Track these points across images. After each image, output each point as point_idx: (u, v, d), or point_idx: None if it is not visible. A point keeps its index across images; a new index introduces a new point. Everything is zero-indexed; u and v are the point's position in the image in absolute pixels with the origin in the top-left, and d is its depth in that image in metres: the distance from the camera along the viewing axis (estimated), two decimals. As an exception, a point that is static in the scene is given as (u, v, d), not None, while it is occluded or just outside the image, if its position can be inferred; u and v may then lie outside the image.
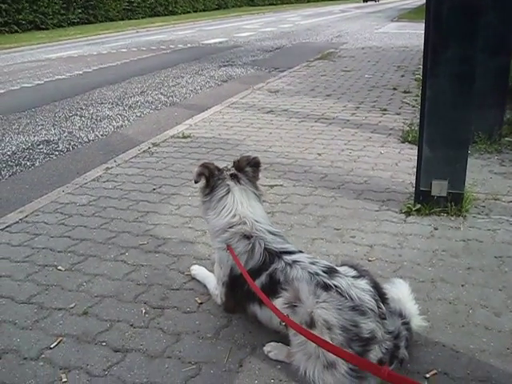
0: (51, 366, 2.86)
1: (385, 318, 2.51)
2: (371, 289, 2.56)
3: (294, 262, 2.71)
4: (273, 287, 2.68)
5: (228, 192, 3.07)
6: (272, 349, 2.82)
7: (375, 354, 2.43)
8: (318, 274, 2.59)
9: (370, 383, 2.44)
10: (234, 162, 3.23)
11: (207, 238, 4.05)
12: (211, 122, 7.94)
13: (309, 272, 2.61)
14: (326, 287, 2.51)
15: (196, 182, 3.22)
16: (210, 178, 3.13)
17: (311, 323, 2.46)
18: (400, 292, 2.90)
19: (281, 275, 2.68)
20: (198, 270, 3.60)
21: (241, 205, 3.02)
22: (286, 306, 2.58)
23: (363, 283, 2.58)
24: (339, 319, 2.42)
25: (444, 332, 2.91)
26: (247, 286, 2.78)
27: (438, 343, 2.82)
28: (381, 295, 2.60)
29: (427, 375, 2.60)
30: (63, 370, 2.83)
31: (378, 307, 2.50)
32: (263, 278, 2.75)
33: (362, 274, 2.68)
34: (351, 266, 2.74)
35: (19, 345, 3.05)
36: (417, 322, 2.80)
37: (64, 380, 2.74)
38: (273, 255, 2.79)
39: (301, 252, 2.90)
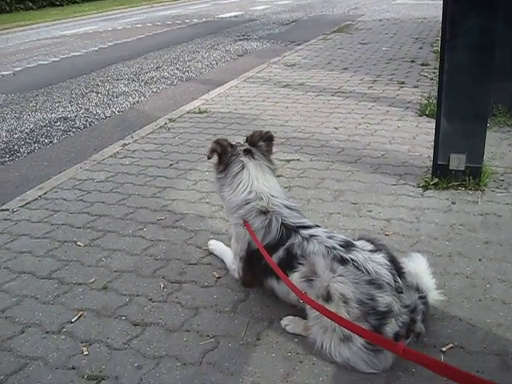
0: (72, 339, 2.92)
1: (401, 292, 2.51)
2: (388, 263, 2.56)
3: (311, 236, 2.71)
4: (290, 262, 2.69)
5: (243, 168, 3.06)
6: (289, 322, 2.84)
7: (392, 328, 2.44)
8: (334, 248, 2.59)
9: (385, 356, 2.47)
10: (247, 137, 3.24)
11: (224, 212, 4.06)
12: (227, 96, 7.91)
13: (326, 246, 2.62)
14: (343, 261, 2.53)
15: (209, 158, 3.24)
16: (223, 155, 3.12)
17: (328, 297, 2.48)
18: (417, 266, 2.90)
19: (298, 249, 2.68)
20: (216, 245, 3.62)
21: (256, 180, 3.02)
22: (302, 280, 2.60)
23: (380, 257, 2.58)
24: (356, 293, 2.43)
25: (461, 306, 2.91)
26: (265, 260, 2.79)
27: (454, 317, 2.83)
28: (398, 269, 2.60)
29: (443, 349, 2.61)
30: (84, 343, 2.88)
31: (395, 281, 2.51)
32: (280, 252, 2.75)
33: (378, 248, 2.69)
34: (368, 240, 2.75)
35: (41, 319, 3.11)
36: (434, 296, 2.81)
37: (85, 353, 2.80)
38: (290, 230, 2.79)
39: (318, 226, 2.90)
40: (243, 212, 2.94)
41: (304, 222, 2.87)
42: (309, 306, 2.56)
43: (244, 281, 3.21)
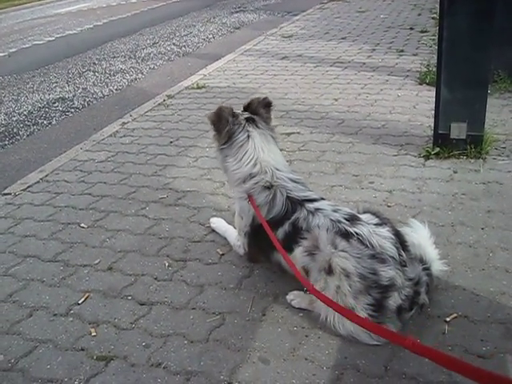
0: (80, 321, 2.95)
1: (405, 266, 2.53)
2: (392, 236, 2.57)
3: (317, 209, 2.69)
4: (295, 236, 2.68)
5: (248, 137, 2.95)
6: (295, 297, 2.86)
7: (394, 301, 2.47)
8: (339, 222, 2.59)
9: (387, 327, 2.48)
10: (246, 105, 3.11)
11: (226, 189, 4.08)
12: (225, 70, 7.85)
13: (331, 219, 2.61)
14: (347, 235, 2.53)
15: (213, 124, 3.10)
16: (226, 124, 2.97)
17: (329, 270, 2.51)
18: (420, 237, 2.89)
19: (303, 223, 2.67)
20: (218, 223, 3.62)
21: (262, 152, 2.95)
22: (305, 254, 2.62)
23: (384, 231, 2.59)
24: (357, 267, 2.45)
25: (464, 276, 2.93)
26: (267, 237, 2.77)
27: (458, 287, 2.84)
28: (402, 243, 2.62)
29: (447, 319, 2.62)
30: (92, 324, 2.91)
31: (399, 255, 2.52)
32: (286, 226, 2.73)
33: (383, 221, 2.69)
34: (373, 214, 2.74)
35: (48, 302, 3.14)
36: (437, 266, 2.82)
37: (93, 334, 2.83)
38: (295, 204, 2.76)
39: (323, 199, 2.87)
40: (248, 186, 2.89)
41: (309, 195, 2.83)
42: (312, 280, 2.60)
43: (250, 256, 3.20)
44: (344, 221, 2.60)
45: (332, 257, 2.50)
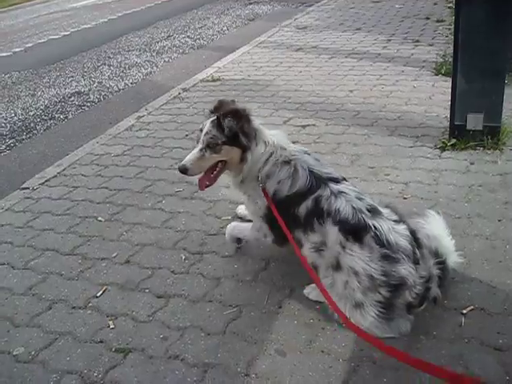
0: (99, 313, 2.99)
1: (419, 263, 2.54)
2: (409, 234, 2.59)
3: (340, 192, 2.66)
4: (316, 213, 2.64)
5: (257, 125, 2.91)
6: (312, 290, 2.86)
7: (404, 299, 2.49)
8: (361, 212, 2.58)
9: (398, 323, 2.52)
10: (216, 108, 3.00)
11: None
12: (240, 63, 7.85)
13: (353, 207, 2.59)
14: (364, 229, 2.52)
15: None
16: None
17: (337, 266, 2.54)
18: (436, 228, 2.86)
19: (325, 203, 2.63)
20: (235, 229, 3.38)
21: (271, 135, 2.94)
22: (312, 251, 2.65)
23: (402, 228, 2.59)
24: (365, 269, 2.47)
25: (481, 268, 2.91)
26: (292, 210, 2.72)
27: (474, 279, 2.83)
28: (416, 240, 2.62)
29: (464, 311, 2.62)
30: (110, 317, 2.95)
31: (414, 253, 2.54)
32: (309, 202, 2.68)
33: (402, 219, 2.69)
34: (393, 210, 2.73)
35: (67, 295, 3.19)
36: (453, 258, 2.81)
37: (112, 326, 2.87)
38: (319, 180, 2.71)
39: (345, 180, 2.84)
40: (268, 168, 2.84)
41: (331, 173, 2.80)
42: (322, 275, 2.62)
43: (278, 239, 2.98)
44: (366, 211, 2.59)
45: (339, 256, 2.53)
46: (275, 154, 2.85)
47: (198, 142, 2.86)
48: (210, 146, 2.81)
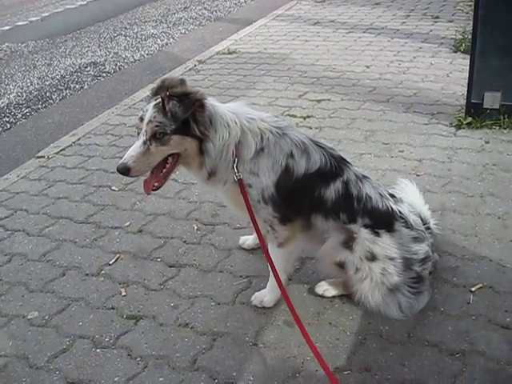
0: (111, 281, 3.05)
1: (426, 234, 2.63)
2: (412, 210, 2.68)
3: (364, 177, 2.58)
4: (347, 202, 2.48)
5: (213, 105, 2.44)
6: (328, 286, 2.76)
7: (429, 269, 2.57)
8: (387, 198, 2.57)
9: (424, 295, 2.57)
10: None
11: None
12: (257, 36, 7.78)
13: (380, 194, 2.55)
14: (394, 217, 2.52)
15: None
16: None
17: (373, 257, 2.49)
18: (411, 195, 2.94)
19: (354, 189, 2.50)
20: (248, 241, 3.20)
21: (236, 109, 2.53)
22: (341, 247, 2.51)
23: (409, 207, 2.68)
24: (399, 253, 2.49)
25: (491, 247, 2.92)
26: (316, 192, 2.47)
27: (484, 258, 2.84)
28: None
29: (472, 289, 2.64)
30: (122, 284, 3.00)
31: (428, 229, 2.64)
32: (339, 185, 2.47)
33: (400, 198, 2.74)
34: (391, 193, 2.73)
35: (80, 262, 3.24)
36: (432, 222, 2.90)
37: (123, 294, 2.92)
38: (335, 159, 2.51)
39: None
40: (253, 149, 2.45)
41: (335, 149, 2.62)
42: (352, 272, 2.52)
43: (282, 217, 2.54)
44: (389, 197, 2.60)
45: (373, 248, 2.48)
46: (251, 130, 2.45)
47: (139, 134, 2.34)
48: (157, 137, 2.29)
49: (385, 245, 2.48)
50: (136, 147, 2.31)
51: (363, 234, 2.47)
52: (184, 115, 2.27)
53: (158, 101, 2.32)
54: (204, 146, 2.38)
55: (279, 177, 2.46)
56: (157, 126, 2.28)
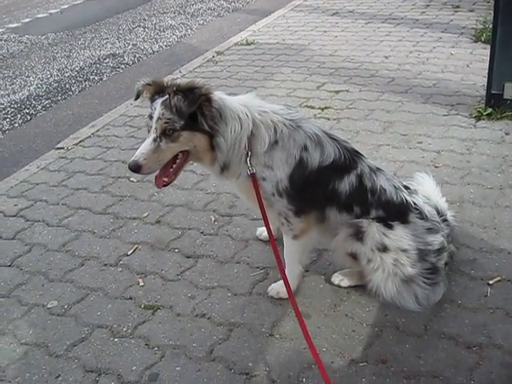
0: (129, 271, 3.08)
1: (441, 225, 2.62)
2: (427, 201, 2.67)
3: (378, 169, 2.58)
4: (361, 194, 2.49)
5: (222, 99, 2.44)
6: (343, 277, 2.78)
7: (444, 260, 2.56)
8: (401, 190, 2.57)
9: (440, 286, 2.55)
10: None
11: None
12: (275, 27, 7.76)
13: (394, 186, 2.54)
14: (406, 212, 2.51)
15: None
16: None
17: (384, 248, 2.48)
18: (428, 188, 2.94)
19: (368, 182, 2.51)
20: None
21: (247, 101, 2.53)
22: (352, 239, 2.51)
23: (424, 198, 2.66)
24: (413, 245, 2.48)
25: (510, 239, 2.89)
26: (330, 185, 2.46)
27: (503, 250, 2.81)
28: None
29: (490, 282, 2.62)
30: (140, 275, 3.03)
31: (445, 221, 2.63)
32: (353, 178, 2.48)
33: (415, 189, 2.74)
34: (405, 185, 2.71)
35: (99, 252, 3.27)
36: (449, 214, 2.88)
37: (141, 284, 2.95)
38: (349, 152, 2.51)
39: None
40: (273, 137, 2.44)
41: (348, 142, 2.62)
42: (364, 262, 2.52)
43: (297, 209, 2.54)
44: (404, 189, 2.59)
45: (384, 240, 2.47)
46: (264, 123, 2.44)
47: (149, 132, 2.35)
48: (167, 134, 2.31)
49: (397, 237, 2.47)
50: (146, 144, 2.33)
51: (373, 227, 2.47)
52: (189, 110, 2.27)
53: (165, 97, 2.31)
54: (215, 141, 2.38)
55: (293, 169, 2.46)
56: (166, 122, 2.29)
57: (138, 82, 2.50)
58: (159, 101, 2.33)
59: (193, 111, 2.28)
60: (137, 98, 2.56)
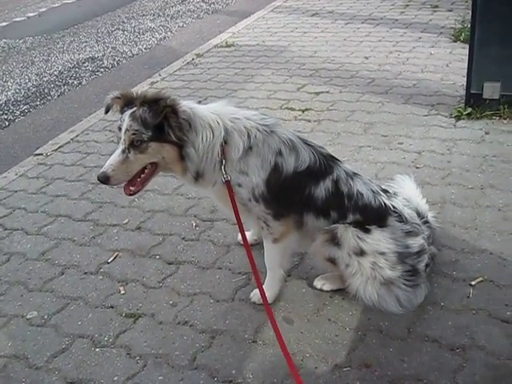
0: (110, 279, 3.04)
1: (421, 227, 2.62)
2: (407, 203, 2.67)
3: (355, 174, 2.57)
4: (337, 200, 2.47)
5: (191, 108, 2.42)
6: (325, 281, 2.76)
7: (424, 262, 2.55)
8: (379, 194, 2.55)
9: (421, 288, 2.54)
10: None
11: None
12: (255, 28, 7.74)
13: (372, 190, 2.53)
14: (385, 215, 2.50)
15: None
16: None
17: (361, 252, 2.47)
18: (409, 189, 2.94)
19: (345, 187, 2.50)
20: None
21: (219, 109, 2.52)
22: (328, 244, 2.50)
23: (403, 200, 2.66)
24: (391, 248, 2.47)
25: (492, 239, 2.89)
26: (307, 190, 2.46)
27: (485, 251, 2.82)
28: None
29: (472, 283, 2.62)
30: (121, 282, 2.99)
31: (420, 219, 2.62)
32: (329, 183, 2.47)
33: (395, 192, 2.74)
34: (384, 189, 2.69)
35: (79, 260, 3.23)
36: (430, 215, 2.87)
37: (122, 292, 2.91)
38: (324, 157, 2.50)
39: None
40: (241, 149, 2.42)
41: (324, 148, 2.60)
42: (343, 267, 2.51)
43: (275, 214, 2.54)
44: (382, 193, 2.57)
45: (361, 244, 2.46)
46: (237, 129, 2.43)
47: (119, 143, 2.37)
48: (135, 145, 2.31)
49: (374, 240, 2.46)
50: (115, 156, 2.34)
51: (349, 232, 2.46)
52: (154, 121, 2.27)
53: (133, 109, 2.32)
54: (184, 151, 2.37)
55: (269, 175, 2.45)
56: (133, 133, 2.29)
57: (107, 95, 2.49)
58: (128, 112, 2.33)
59: (159, 122, 2.28)
60: (106, 111, 2.56)
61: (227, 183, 2.42)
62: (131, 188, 2.46)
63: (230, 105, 2.58)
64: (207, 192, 2.67)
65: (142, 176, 2.45)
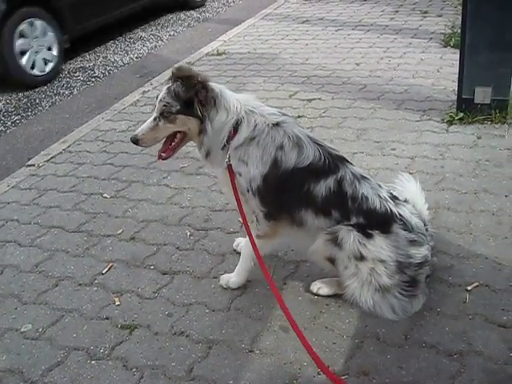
0: (104, 290, 3.01)
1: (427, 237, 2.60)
2: (416, 212, 2.64)
3: (363, 177, 2.56)
4: (339, 199, 2.49)
5: (219, 89, 2.60)
6: (321, 285, 2.76)
7: (426, 273, 2.54)
8: (386, 200, 2.53)
9: (418, 298, 2.53)
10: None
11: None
12: (246, 36, 7.76)
13: (379, 195, 2.52)
14: (389, 222, 2.48)
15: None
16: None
17: (361, 257, 2.47)
18: (411, 193, 2.89)
19: (349, 188, 2.49)
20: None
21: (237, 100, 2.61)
22: (330, 244, 2.52)
23: (412, 208, 2.64)
24: (392, 256, 2.46)
25: (486, 244, 2.90)
26: (306, 187, 2.48)
27: (480, 255, 2.82)
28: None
29: (469, 288, 2.62)
30: (116, 293, 2.97)
31: (426, 230, 2.61)
32: (331, 182, 2.48)
33: (405, 199, 2.72)
34: (394, 195, 2.68)
35: (73, 272, 3.20)
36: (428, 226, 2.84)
37: (117, 303, 2.89)
38: (332, 157, 2.52)
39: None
40: (243, 137, 2.54)
41: (336, 150, 2.63)
42: (341, 268, 2.52)
43: (267, 213, 2.62)
44: (390, 200, 2.55)
45: (361, 249, 2.46)
46: (247, 120, 2.54)
47: (153, 111, 2.61)
48: (164, 115, 2.54)
49: (375, 247, 2.45)
50: (148, 122, 2.59)
51: (351, 236, 2.46)
52: (186, 95, 2.48)
53: (170, 84, 2.57)
54: (203, 126, 2.54)
55: (268, 169, 2.52)
56: (165, 105, 2.52)
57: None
58: (165, 86, 2.58)
59: (189, 97, 2.48)
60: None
61: (229, 167, 2.57)
62: (162, 154, 2.69)
63: (256, 99, 2.74)
64: (215, 173, 2.90)
65: (173, 144, 2.66)
